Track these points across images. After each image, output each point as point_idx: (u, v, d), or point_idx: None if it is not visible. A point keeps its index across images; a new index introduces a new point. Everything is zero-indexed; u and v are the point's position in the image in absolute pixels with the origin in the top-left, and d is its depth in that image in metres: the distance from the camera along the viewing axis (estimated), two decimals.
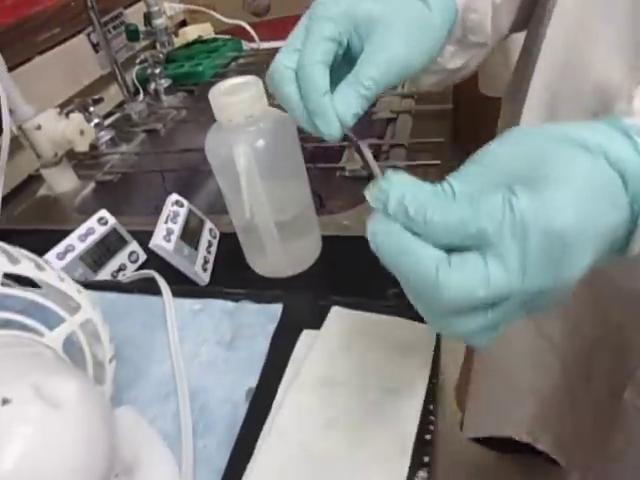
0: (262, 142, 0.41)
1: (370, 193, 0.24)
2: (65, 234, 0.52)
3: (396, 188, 0.23)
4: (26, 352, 0.23)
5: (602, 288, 0.47)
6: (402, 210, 0.23)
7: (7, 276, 0.27)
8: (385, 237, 0.23)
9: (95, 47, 0.92)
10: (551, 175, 0.23)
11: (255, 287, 0.45)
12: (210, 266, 0.52)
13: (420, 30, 0.33)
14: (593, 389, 0.55)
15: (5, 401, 0.18)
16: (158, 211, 0.52)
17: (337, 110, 0.30)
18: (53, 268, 0.27)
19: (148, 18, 0.89)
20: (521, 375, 0.61)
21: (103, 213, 0.54)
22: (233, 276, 0.51)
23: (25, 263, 0.25)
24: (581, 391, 0.56)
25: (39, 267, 0.26)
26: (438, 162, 0.61)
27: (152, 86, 0.99)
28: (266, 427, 0.31)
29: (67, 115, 0.72)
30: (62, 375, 0.21)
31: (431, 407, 0.31)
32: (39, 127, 0.68)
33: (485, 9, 0.39)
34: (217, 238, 0.55)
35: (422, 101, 0.77)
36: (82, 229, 0.52)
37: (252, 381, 0.34)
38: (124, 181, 0.78)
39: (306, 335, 0.37)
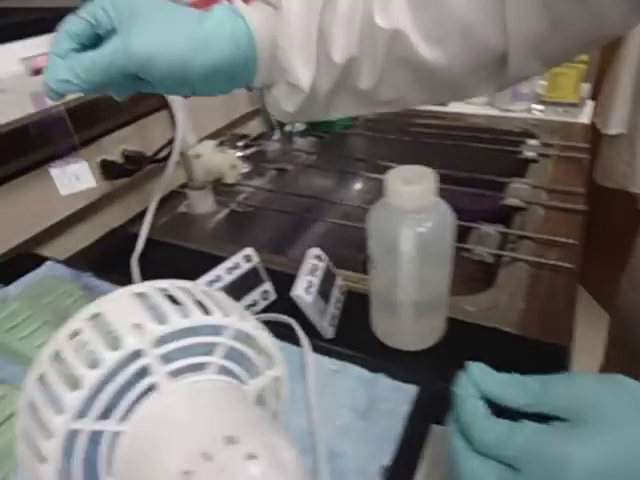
0: (423, 229, 0.44)
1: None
2: (200, 255, 0.64)
3: (464, 401, 0.29)
4: (250, 407, 0.26)
5: None
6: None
7: None
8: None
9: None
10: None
11: (378, 353, 0.49)
12: (336, 322, 0.55)
13: None
14: None
15: (251, 456, 0.22)
16: (277, 250, 0.57)
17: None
18: (252, 319, 0.30)
19: None
20: None
21: (249, 251, 0.59)
22: (356, 337, 0.54)
23: (234, 315, 0.28)
24: None
25: (242, 317, 0.29)
26: (570, 266, 0.60)
27: (288, 127, 1.07)
28: None
29: (221, 144, 0.80)
30: (284, 438, 0.24)
31: None
32: (198, 156, 0.76)
33: None
34: (345, 295, 0.59)
35: (554, 195, 0.78)
36: (230, 263, 0.57)
37: (386, 458, 0.36)
38: (254, 214, 0.85)
39: (435, 433, 0.38)
